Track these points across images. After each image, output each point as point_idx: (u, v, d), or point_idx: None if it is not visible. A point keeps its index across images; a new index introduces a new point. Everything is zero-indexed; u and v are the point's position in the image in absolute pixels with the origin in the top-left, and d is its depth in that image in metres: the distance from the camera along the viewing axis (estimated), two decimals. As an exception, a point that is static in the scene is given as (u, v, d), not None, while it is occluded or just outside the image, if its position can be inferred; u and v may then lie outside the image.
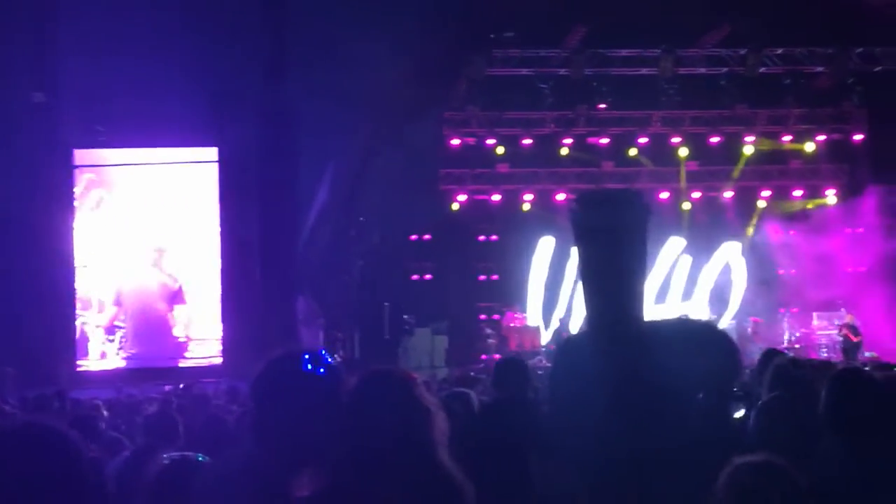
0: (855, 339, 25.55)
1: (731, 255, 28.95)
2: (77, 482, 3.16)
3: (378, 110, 27.03)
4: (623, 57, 27.80)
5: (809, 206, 29.72)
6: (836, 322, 27.03)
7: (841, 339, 26.11)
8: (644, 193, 2.96)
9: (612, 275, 3.66)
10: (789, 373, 6.23)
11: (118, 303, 26.20)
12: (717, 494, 3.67)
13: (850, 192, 29.05)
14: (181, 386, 18.50)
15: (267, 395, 3.74)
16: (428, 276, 29.83)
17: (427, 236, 30.00)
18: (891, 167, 26.81)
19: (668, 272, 28.60)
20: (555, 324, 28.33)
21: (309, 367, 3.75)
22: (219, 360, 25.97)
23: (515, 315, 27.75)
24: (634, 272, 3.70)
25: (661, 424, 3.32)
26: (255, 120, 25.80)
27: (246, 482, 3.59)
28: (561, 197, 29.35)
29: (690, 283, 28.73)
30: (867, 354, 24.34)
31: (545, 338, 28.01)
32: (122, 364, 25.76)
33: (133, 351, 26.04)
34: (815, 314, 27.87)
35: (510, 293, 28.74)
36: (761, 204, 29.94)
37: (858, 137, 29.40)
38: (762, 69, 28.06)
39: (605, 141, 29.17)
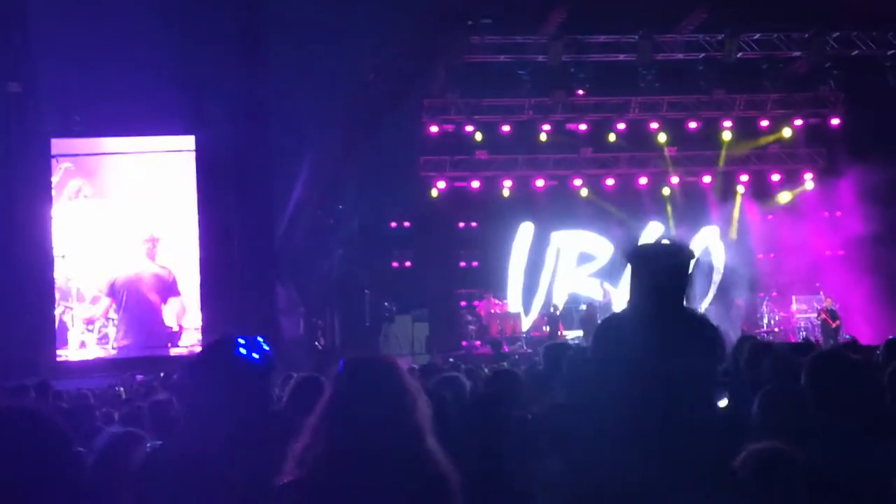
0: (833, 324, 25.71)
1: (710, 239, 29.04)
2: (60, 467, 3.16)
3: (356, 98, 26.97)
4: (601, 43, 27.76)
5: (790, 197, 29.79)
6: (815, 305, 27.18)
7: (820, 322, 26.25)
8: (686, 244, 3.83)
9: (662, 293, 4.61)
10: (792, 361, 6.27)
11: (111, 293, 26.12)
12: (739, 477, 3.74)
13: (827, 177, 29.13)
14: (161, 375, 18.48)
15: (198, 379, 3.80)
16: (408, 264, 29.83)
17: (407, 223, 29.99)
18: (868, 151, 26.90)
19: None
20: (535, 309, 28.40)
21: (242, 351, 3.81)
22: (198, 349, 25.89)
23: (496, 301, 27.80)
24: (679, 292, 4.72)
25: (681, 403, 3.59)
26: (232, 108, 25.72)
27: (182, 464, 3.64)
28: (540, 183, 29.39)
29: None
30: (846, 337, 24.46)
31: (525, 324, 28.06)
32: (101, 354, 25.69)
33: (125, 342, 25.99)
34: (794, 298, 28.03)
35: (490, 279, 28.78)
36: (740, 189, 30.00)
37: (836, 122, 29.49)
38: (739, 54, 28.06)
39: (583, 127, 29.18)
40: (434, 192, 29.17)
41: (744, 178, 30.08)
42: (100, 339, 26.01)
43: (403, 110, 28.66)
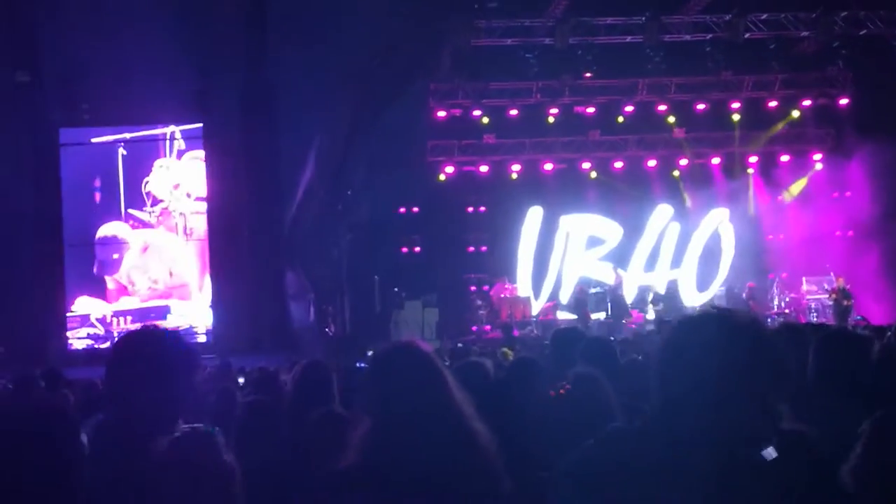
0: (846, 303, 25.62)
1: (719, 221, 28.99)
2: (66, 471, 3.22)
3: (363, 83, 26.93)
4: (608, 25, 27.69)
5: (802, 184, 29.70)
6: (826, 286, 27.11)
7: (832, 302, 26.19)
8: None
9: None
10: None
11: (130, 281, 26.33)
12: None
13: (836, 157, 29.04)
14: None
15: (120, 365, 3.88)
16: (417, 249, 29.80)
17: (415, 209, 29.96)
18: (877, 130, 26.80)
19: (656, 240, 28.65)
20: (545, 293, 28.37)
21: (167, 342, 3.93)
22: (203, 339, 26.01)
23: (505, 285, 27.74)
24: None
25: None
26: (239, 95, 25.75)
27: (105, 445, 3.71)
28: (548, 166, 29.35)
29: (679, 250, 28.76)
30: (857, 318, 24.41)
31: (535, 307, 28.03)
32: (107, 345, 25.77)
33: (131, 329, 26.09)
34: (804, 279, 27.95)
35: (500, 264, 28.73)
36: (749, 170, 29.95)
37: (844, 101, 29.36)
38: (747, 35, 27.95)
39: (591, 110, 29.09)
40: (442, 177, 29.15)
41: (753, 159, 29.99)
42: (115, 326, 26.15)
43: (411, 95, 28.61)
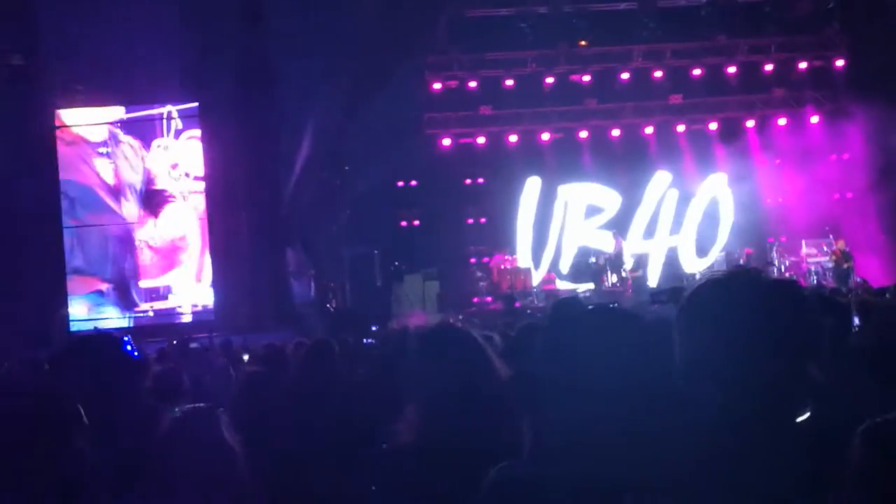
0: (846, 265, 25.64)
1: (717, 187, 28.97)
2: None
3: (359, 57, 26.86)
4: (602, -8, 27.66)
5: None
6: (826, 249, 27.11)
7: (832, 265, 26.21)
8: None
9: None
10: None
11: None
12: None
13: (834, 119, 28.98)
14: (174, 342, 18.51)
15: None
16: (416, 222, 29.83)
17: (413, 182, 29.95)
18: (874, 91, 26.75)
19: (655, 207, 28.64)
20: (545, 264, 28.39)
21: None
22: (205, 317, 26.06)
23: (506, 257, 27.76)
24: None
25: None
26: (235, 72, 25.69)
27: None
28: (546, 136, 29.30)
29: (678, 216, 28.76)
30: (857, 280, 24.43)
31: (536, 278, 28.06)
32: (114, 324, 25.81)
33: (140, 308, 26.23)
34: (803, 242, 27.94)
35: (499, 235, 28.75)
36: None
37: (840, 63, 29.30)
38: (742, -2, 27.93)
39: (587, 78, 29.04)
40: (439, 150, 29.13)
41: (750, 123, 29.93)
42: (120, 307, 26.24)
43: (407, 68, 28.57)
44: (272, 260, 25.67)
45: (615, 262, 26.83)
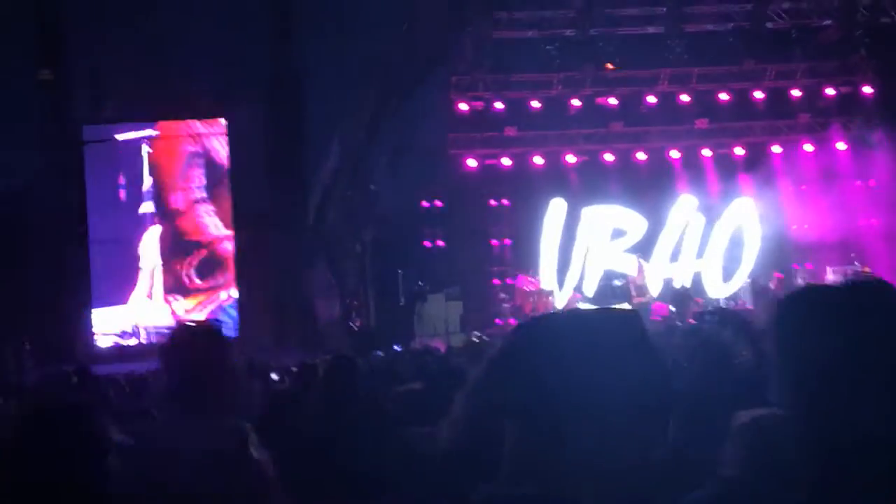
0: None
1: (743, 212, 28.86)
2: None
3: (385, 77, 26.96)
4: (629, 16, 27.66)
5: None
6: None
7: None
8: None
9: None
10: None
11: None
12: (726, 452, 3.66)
13: (860, 144, 28.89)
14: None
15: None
16: (440, 243, 29.83)
17: (438, 202, 29.96)
18: (901, 118, 26.75)
19: (680, 231, 28.56)
20: (569, 286, 28.31)
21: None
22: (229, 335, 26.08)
23: (529, 279, 27.70)
24: None
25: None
26: (262, 90, 25.82)
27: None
28: (571, 159, 29.29)
29: (703, 241, 28.66)
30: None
31: (559, 300, 28.00)
32: (133, 342, 25.93)
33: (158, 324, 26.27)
34: (828, 269, 27.80)
35: (523, 257, 28.70)
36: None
37: (868, 90, 29.22)
38: (769, 24, 27.90)
39: (613, 101, 29.03)
40: (464, 170, 29.14)
41: (776, 148, 29.86)
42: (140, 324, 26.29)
43: (432, 88, 28.65)
44: (297, 278, 25.71)
45: (640, 286, 26.77)
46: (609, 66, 28.55)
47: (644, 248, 28.14)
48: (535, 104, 28.79)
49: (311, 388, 7.85)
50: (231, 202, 26.69)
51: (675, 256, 28.44)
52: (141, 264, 26.78)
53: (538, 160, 29.30)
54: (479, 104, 28.94)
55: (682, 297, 26.31)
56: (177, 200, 27.06)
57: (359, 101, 26.96)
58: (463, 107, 28.78)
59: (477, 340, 19.26)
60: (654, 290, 27.24)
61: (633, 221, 28.60)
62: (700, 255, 28.57)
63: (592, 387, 2.30)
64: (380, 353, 17.53)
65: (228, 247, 26.66)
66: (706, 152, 29.72)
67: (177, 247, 26.90)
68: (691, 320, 23.27)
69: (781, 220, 28.30)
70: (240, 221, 26.49)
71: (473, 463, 3.49)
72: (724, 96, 29.18)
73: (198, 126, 26.96)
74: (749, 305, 26.16)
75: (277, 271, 25.40)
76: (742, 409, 3.81)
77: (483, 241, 29.43)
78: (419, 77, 27.70)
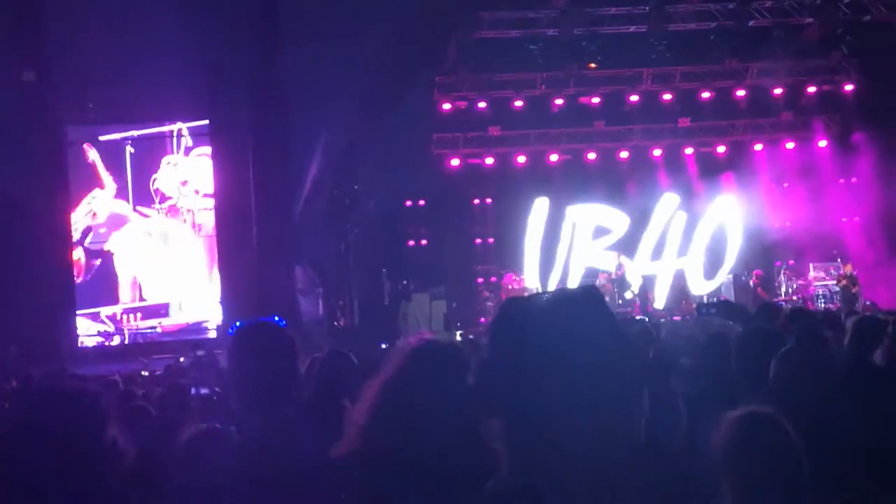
0: (854, 289, 25.65)
1: (725, 210, 28.98)
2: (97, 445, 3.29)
3: (369, 77, 26.98)
4: (612, 15, 27.70)
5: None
6: (833, 273, 27.12)
7: (840, 289, 26.20)
8: None
9: None
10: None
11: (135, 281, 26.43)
12: (714, 450, 3.70)
13: (842, 143, 29.04)
14: (181, 360, 18.59)
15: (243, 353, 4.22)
16: (424, 242, 29.88)
17: (422, 202, 30.02)
18: (883, 116, 26.84)
19: (663, 229, 28.66)
20: (553, 284, 28.38)
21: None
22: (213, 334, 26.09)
23: (513, 277, 27.78)
24: None
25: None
26: (246, 90, 25.79)
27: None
28: (554, 157, 29.38)
29: (686, 239, 28.78)
30: (866, 303, 24.41)
31: (543, 298, 27.98)
32: (117, 341, 25.90)
33: (141, 325, 26.23)
34: (811, 265, 27.96)
35: (507, 255, 28.78)
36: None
37: (849, 88, 29.37)
38: (751, 22, 27.99)
39: (596, 100, 29.11)
40: (448, 170, 29.19)
41: (758, 146, 29.99)
42: (123, 325, 26.25)
43: (416, 88, 28.65)
44: (281, 277, 25.69)
45: (622, 283, 26.87)
46: (592, 65, 28.60)
47: (627, 246, 28.25)
48: (519, 104, 28.87)
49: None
50: (215, 202, 26.65)
51: (657, 254, 28.54)
52: (119, 264, 26.72)
53: (521, 159, 29.40)
54: (463, 104, 28.99)
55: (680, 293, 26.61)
56: (159, 200, 27.01)
57: (344, 100, 26.95)
58: (446, 106, 28.84)
59: (470, 338, 19.32)
60: (636, 286, 27.37)
61: (616, 220, 28.71)
62: (683, 252, 28.68)
63: (566, 373, 2.33)
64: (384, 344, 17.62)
65: (203, 247, 26.64)
66: (689, 150, 29.89)
67: (158, 247, 26.86)
68: (677, 317, 23.46)
69: (763, 217, 28.42)
70: (223, 221, 26.46)
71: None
72: (706, 95, 29.30)
73: (181, 127, 26.93)
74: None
75: (261, 270, 25.37)
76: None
77: (467, 241, 29.51)
78: (404, 78, 27.70)
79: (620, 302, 26.58)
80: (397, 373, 3.59)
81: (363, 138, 27.95)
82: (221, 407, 7.70)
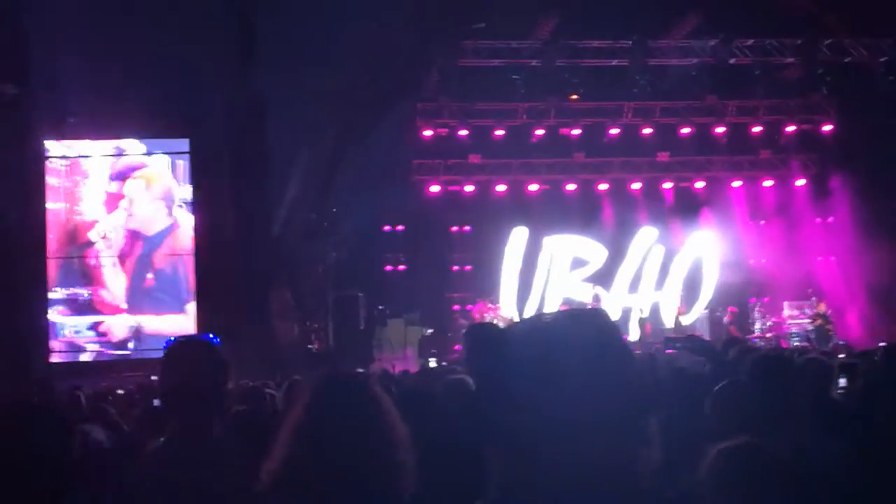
0: (828, 328, 25.79)
1: (702, 245, 29.09)
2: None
3: (349, 101, 26.99)
4: (594, 48, 27.87)
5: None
6: (807, 311, 27.26)
7: (813, 328, 26.33)
8: None
9: None
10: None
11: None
12: (702, 481, 3.71)
13: (820, 183, 29.23)
14: (152, 378, 18.45)
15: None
16: (402, 267, 29.91)
17: (400, 227, 30.07)
18: (860, 157, 27.07)
19: (640, 262, 28.73)
20: (528, 314, 28.39)
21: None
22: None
23: (489, 305, 27.79)
24: None
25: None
26: (226, 111, 25.75)
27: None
28: (533, 188, 29.48)
29: (663, 272, 28.85)
30: (839, 343, 24.53)
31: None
32: (89, 358, 25.71)
33: (110, 341, 26.02)
34: (785, 303, 28.10)
35: (483, 283, 28.79)
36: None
37: (828, 128, 29.57)
38: (732, 60, 28.21)
39: (576, 132, 29.23)
40: (427, 196, 29.22)
41: (737, 183, 30.16)
42: (94, 342, 26.04)
43: (397, 114, 28.70)
44: (257, 300, 25.60)
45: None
46: (573, 97, 28.74)
47: (604, 278, 28.31)
48: (500, 132, 28.97)
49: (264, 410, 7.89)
50: (193, 222, 26.55)
51: (634, 287, 28.60)
52: (95, 278, 26.56)
53: (501, 188, 29.48)
54: (444, 131, 29.06)
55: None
56: (138, 218, 26.88)
57: (324, 123, 26.96)
58: (428, 133, 28.89)
59: (443, 364, 19.31)
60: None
61: (593, 251, 28.76)
62: (659, 286, 28.75)
63: (568, 398, 2.24)
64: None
65: (187, 266, 26.50)
66: (667, 185, 30.02)
67: (138, 265, 26.72)
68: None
69: (740, 254, 28.56)
70: (201, 242, 26.35)
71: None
72: (686, 130, 29.45)
73: (160, 145, 26.83)
74: (706, 337, 26.36)
75: (237, 292, 25.26)
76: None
77: (444, 267, 29.54)
78: (385, 104, 27.74)
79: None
80: (305, 408, 3.62)
81: (343, 162, 27.93)
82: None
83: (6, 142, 25.11)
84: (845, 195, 27.40)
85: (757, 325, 27.78)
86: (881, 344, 11.27)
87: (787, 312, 28.02)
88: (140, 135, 26.52)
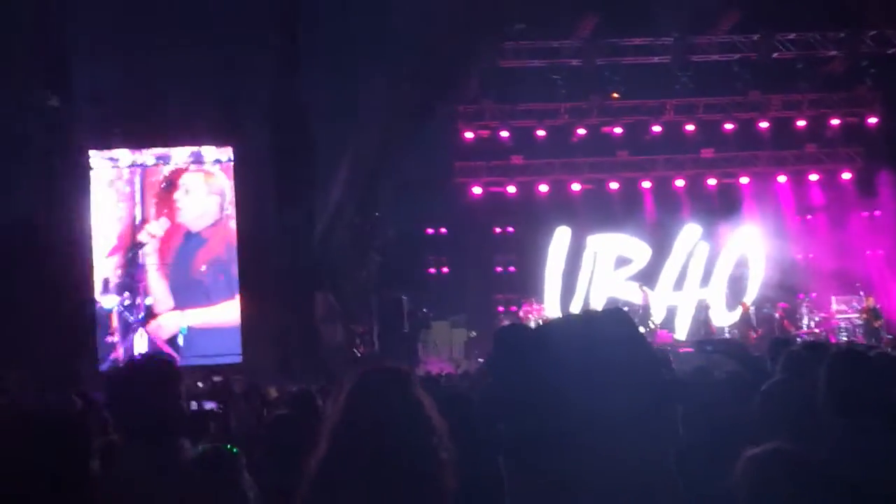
0: (876, 323, 25.48)
1: (748, 241, 28.84)
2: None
3: (392, 104, 27.06)
4: (635, 46, 27.78)
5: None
6: (856, 306, 26.97)
7: (862, 322, 26.06)
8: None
9: None
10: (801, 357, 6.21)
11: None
12: (735, 487, 3.69)
13: (866, 176, 28.95)
14: (199, 384, 18.56)
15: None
16: (445, 270, 29.92)
17: (443, 230, 30.08)
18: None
19: (685, 260, 28.54)
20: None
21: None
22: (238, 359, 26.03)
23: (534, 306, 27.72)
24: None
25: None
26: (269, 118, 25.89)
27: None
28: (576, 187, 29.41)
29: (708, 269, 28.63)
30: (888, 337, 24.26)
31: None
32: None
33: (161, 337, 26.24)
34: (833, 298, 27.80)
35: (527, 284, 28.73)
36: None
37: (873, 120, 29.29)
38: (775, 54, 28.00)
39: (618, 130, 29.14)
40: (470, 198, 29.23)
41: (782, 178, 29.93)
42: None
43: (438, 116, 28.74)
44: (301, 304, 25.69)
45: (643, 314, 26.73)
46: (615, 95, 28.65)
47: (648, 277, 28.14)
48: (541, 133, 28.94)
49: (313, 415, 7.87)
50: (236, 227, 26.69)
51: (679, 285, 28.41)
52: (144, 281, 26.75)
53: (543, 188, 29.44)
54: (486, 133, 29.08)
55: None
56: (191, 212, 27.02)
57: (366, 127, 27.04)
58: (469, 135, 28.92)
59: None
60: (659, 318, 27.21)
61: (637, 250, 28.60)
62: (705, 283, 28.54)
63: (591, 398, 2.28)
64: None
65: (231, 272, 26.63)
66: (711, 181, 29.81)
67: (183, 260, 26.86)
68: (689, 348, 23.28)
69: (786, 249, 28.30)
70: (245, 247, 26.48)
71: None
72: (729, 126, 29.25)
73: (204, 152, 26.99)
74: (754, 333, 26.12)
75: (282, 297, 25.37)
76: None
77: (488, 269, 29.53)
78: (426, 107, 27.78)
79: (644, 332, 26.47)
80: (345, 399, 3.63)
81: (385, 166, 28.01)
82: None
83: (51, 152, 25.38)
84: (891, 187, 27.12)
85: (804, 321, 27.51)
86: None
87: (835, 307, 27.73)
88: (184, 143, 26.70)
